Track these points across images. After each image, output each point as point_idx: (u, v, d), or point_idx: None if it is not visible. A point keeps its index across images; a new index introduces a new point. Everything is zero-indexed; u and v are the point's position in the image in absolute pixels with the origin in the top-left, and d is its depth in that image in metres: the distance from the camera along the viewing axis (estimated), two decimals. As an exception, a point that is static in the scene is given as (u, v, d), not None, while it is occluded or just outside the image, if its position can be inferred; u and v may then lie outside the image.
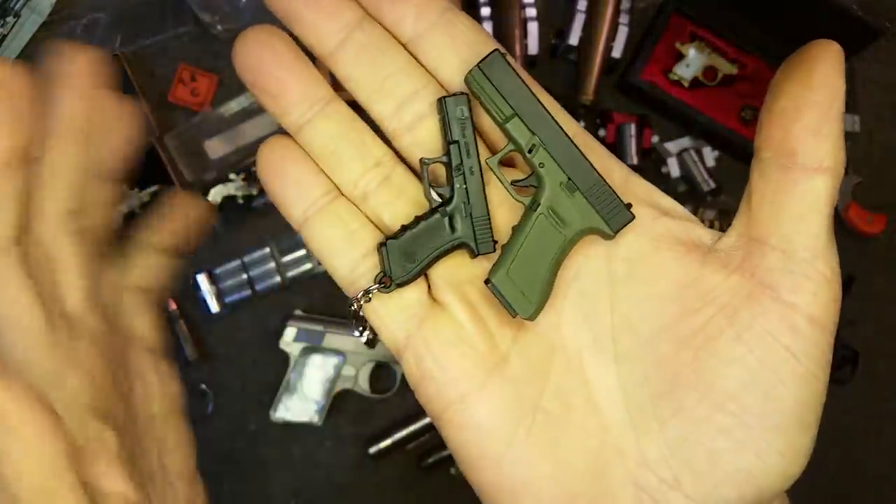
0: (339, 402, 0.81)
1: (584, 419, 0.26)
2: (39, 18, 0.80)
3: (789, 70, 0.25)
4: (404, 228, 0.26)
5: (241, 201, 0.79)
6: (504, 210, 0.27)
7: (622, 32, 0.82)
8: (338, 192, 0.27)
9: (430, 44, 0.26)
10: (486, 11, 0.80)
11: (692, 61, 0.84)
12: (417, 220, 0.27)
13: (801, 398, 0.24)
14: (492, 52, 0.26)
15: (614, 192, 0.25)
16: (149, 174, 0.80)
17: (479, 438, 0.26)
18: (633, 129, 0.82)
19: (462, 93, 0.26)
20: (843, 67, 0.24)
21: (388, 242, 0.26)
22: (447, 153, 0.26)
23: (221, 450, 0.81)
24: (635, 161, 0.82)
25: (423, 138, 0.27)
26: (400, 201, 0.27)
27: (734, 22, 0.84)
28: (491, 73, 0.26)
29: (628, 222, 0.25)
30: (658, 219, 0.26)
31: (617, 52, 0.82)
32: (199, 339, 0.80)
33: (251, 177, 0.80)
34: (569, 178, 0.26)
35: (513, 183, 0.27)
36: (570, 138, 0.26)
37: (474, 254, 0.27)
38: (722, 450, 0.24)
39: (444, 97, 0.26)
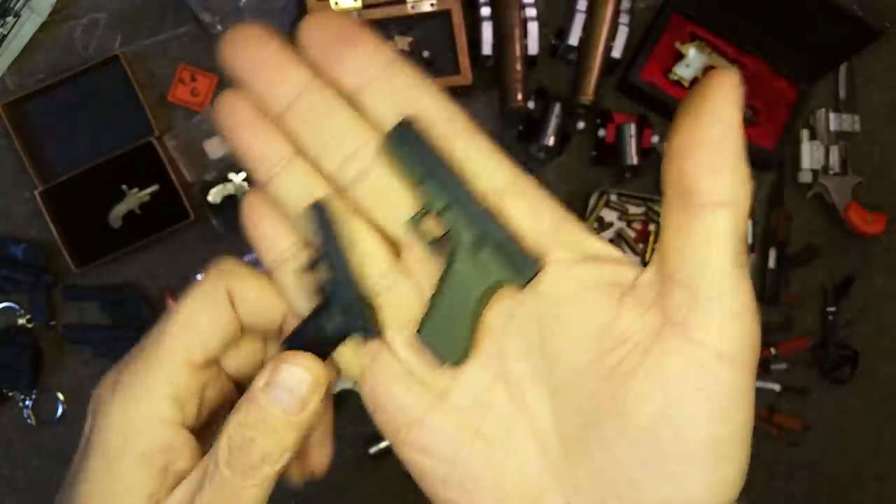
0: (339, 402, 0.81)
1: (525, 444, 0.27)
2: (39, 18, 0.80)
3: (685, 105, 0.24)
4: (306, 321, 0.28)
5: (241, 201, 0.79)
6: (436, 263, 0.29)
7: (622, 32, 0.82)
8: (300, 245, 0.29)
9: (369, 99, 0.28)
10: (486, 11, 0.80)
11: (692, 61, 0.84)
12: (309, 317, 0.29)
13: (715, 434, 0.24)
14: (401, 121, 0.27)
15: (522, 247, 0.27)
16: (149, 174, 0.80)
17: (426, 459, 0.28)
18: (633, 129, 0.82)
19: (317, 206, 0.28)
20: (739, 97, 0.23)
21: (289, 340, 0.29)
22: (313, 264, 0.28)
23: (221, 450, 0.81)
24: (635, 161, 0.82)
25: (366, 193, 0.28)
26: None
27: (734, 22, 0.84)
28: (400, 141, 0.27)
29: (536, 274, 0.27)
30: (582, 263, 0.27)
31: (617, 53, 0.82)
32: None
33: (251, 177, 0.80)
34: (477, 236, 0.27)
35: (432, 242, 0.28)
36: (479, 197, 0.27)
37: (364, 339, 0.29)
38: (642, 480, 0.25)
39: (308, 207, 0.28)
